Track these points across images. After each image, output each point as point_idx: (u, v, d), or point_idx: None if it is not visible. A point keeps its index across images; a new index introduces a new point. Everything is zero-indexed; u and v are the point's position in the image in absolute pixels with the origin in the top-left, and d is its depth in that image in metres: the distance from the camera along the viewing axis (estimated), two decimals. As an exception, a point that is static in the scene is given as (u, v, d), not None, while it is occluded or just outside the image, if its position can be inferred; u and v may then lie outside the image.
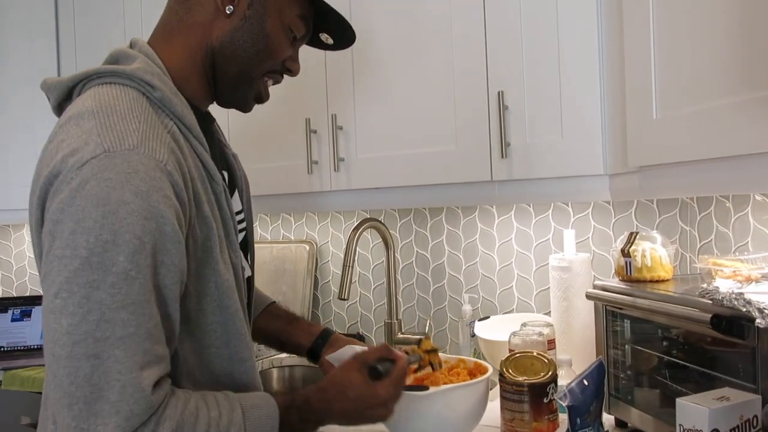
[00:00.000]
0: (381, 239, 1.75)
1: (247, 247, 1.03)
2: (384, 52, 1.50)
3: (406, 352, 1.03)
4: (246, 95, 0.97)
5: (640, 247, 1.13)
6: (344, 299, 1.56)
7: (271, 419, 0.84)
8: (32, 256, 2.59)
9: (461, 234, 1.77)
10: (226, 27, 0.92)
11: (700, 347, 0.96)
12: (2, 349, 2.16)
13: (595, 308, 1.18)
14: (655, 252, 1.12)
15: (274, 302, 1.22)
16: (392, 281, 1.74)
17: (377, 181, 1.53)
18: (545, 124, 1.28)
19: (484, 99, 1.35)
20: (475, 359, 1.18)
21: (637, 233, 1.17)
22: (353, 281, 1.93)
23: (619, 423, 1.15)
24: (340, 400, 0.91)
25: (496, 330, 1.51)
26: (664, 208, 1.46)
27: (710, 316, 0.86)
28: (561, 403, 0.98)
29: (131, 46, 0.93)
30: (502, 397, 1.14)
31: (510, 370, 1.13)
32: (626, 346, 1.13)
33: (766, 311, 0.78)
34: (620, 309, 1.12)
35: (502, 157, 1.31)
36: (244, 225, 1.04)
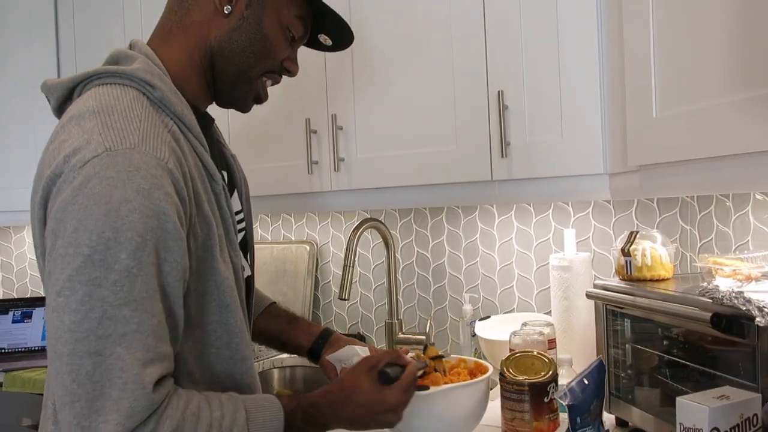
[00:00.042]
0: (381, 239, 1.75)
1: (246, 247, 1.04)
2: (384, 52, 1.50)
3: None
4: (245, 95, 0.97)
5: (641, 247, 1.13)
6: (345, 299, 1.56)
7: (276, 421, 0.84)
8: (33, 257, 2.59)
9: (462, 234, 1.77)
10: (224, 27, 0.92)
11: (700, 346, 0.96)
12: (3, 350, 2.16)
13: (595, 307, 1.18)
14: (656, 251, 1.12)
15: (274, 303, 1.22)
16: (393, 281, 1.74)
17: (377, 181, 1.53)
18: (545, 123, 1.28)
19: (484, 98, 1.35)
20: (476, 359, 1.18)
21: (637, 232, 1.17)
22: (354, 281, 1.93)
23: (620, 422, 1.15)
24: (348, 405, 0.90)
25: (496, 329, 1.51)
26: (664, 207, 1.46)
27: (710, 314, 0.86)
28: (561, 402, 0.98)
29: (131, 47, 0.93)
30: (503, 397, 1.14)
31: (510, 370, 1.13)
32: (627, 346, 1.13)
33: (766, 310, 0.78)
34: (621, 308, 1.12)
35: (502, 156, 1.31)
36: (243, 225, 1.04)
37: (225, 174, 1.01)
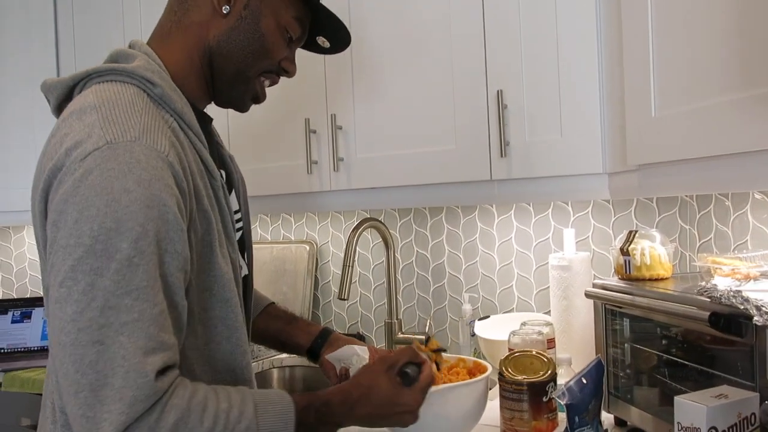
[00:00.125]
0: (381, 239, 1.75)
1: (244, 246, 1.04)
2: (383, 52, 1.51)
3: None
4: (243, 95, 0.98)
5: (640, 246, 1.13)
6: (344, 299, 1.56)
7: (286, 416, 0.82)
8: (32, 258, 2.59)
9: (461, 233, 1.77)
10: (222, 27, 0.93)
11: (698, 345, 0.96)
12: (2, 350, 2.16)
13: (594, 307, 1.18)
14: (655, 250, 1.12)
15: (273, 303, 1.23)
16: (392, 281, 1.74)
17: (377, 180, 1.53)
18: (544, 122, 1.28)
19: (483, 98, 1.35)
20: (475, 358, 1.18)
21: (636, 232, 1.17)
22: (353, 281, 1.93)
23: (619, 421, 1.15)
24: (364, 404, 0.89)
25: (496, 329, 1.51)
26: (663, 207, 1.46)
27: (708, 314, 0.86)
28: (559, 401, 0.98)
29: (131, 47, 0.94)
30: (502, 396, 1.14)
31: (509, 369, 1.13)
32: (625, 345, 1.13)
33: (763, 309, 0.78)
34: (619, 308, 1.12)
35: (502, 156, 1.31)
36: (241, 225, 1.04)
37: (223, 173, 1.01)
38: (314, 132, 1.61)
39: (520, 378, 1.11)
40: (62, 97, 0.90)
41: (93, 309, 0.72)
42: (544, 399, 1.10)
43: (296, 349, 1.19)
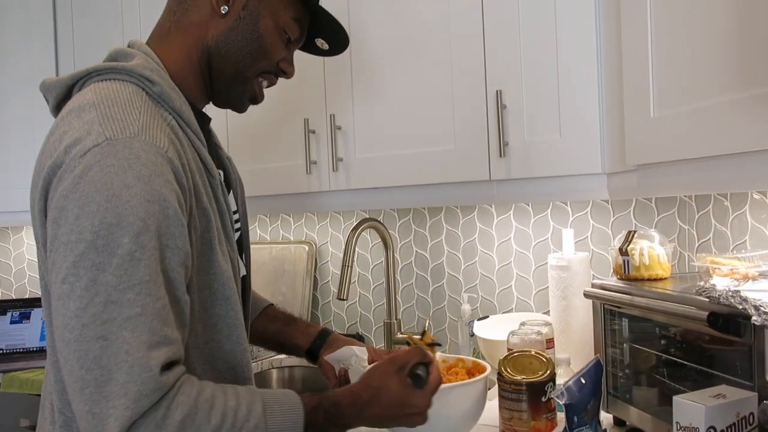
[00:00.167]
0: (380, 239, 1.75)
1: (242, 247, 1.04)
2: (382, 52, 1.51)
3: (408, 342, 1.03)
4: (241, 95, 0.98)
5: (638, 246, 1.13)
6: (343, 299, 1.56)
7: (295, 415, 0.81)
8: (31, 258, 2.59)
9: (460, 234, 1.77)
10: (221, 27, 0.93)
11: (697, 345, 0.96)
12: (1, 351, 2.16)
13: (593, 307, 1.18)
14: (653, 250, 1.12)
15: (272, 304, 1.23)
16: (391, 281, 1.74)
17: (376, 181, 1.53)
18: (544, 123, 1.28)
19: (482, 98, 1.35)
20: (474, 358, 1.18)
21: (635, 232, 1.17)
22: (352, 281, 1.93)
23: (618, 421, 1.15)
24: (375, 406, 0.88)
25: (495, 329, 1.51)
26: (662, 207, 1.46)
27: (707, 313, 0.86)
28: (558, 401, 0.98)
29: (130, 46, 0.94)
30: (501, 396, 1.14)
31: (508, 369, 1.13)
32: (624, 345, 1.13)
33: (762, 309, 0.78)
34: (618, 308, 1.12)
35: (501, 156, 1.31)
36: (239, 225, 1.04)
37: (221, 173, 1.01)
38: (313, 132, 1.61)
39: (519, 378, 1.11)
40: (61, 96, 0.90)
41: (96, 304, 0.72)
42: (543, 399, 1.10)
43: (295, 351, 1.19)
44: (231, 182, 1.05)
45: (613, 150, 1.19)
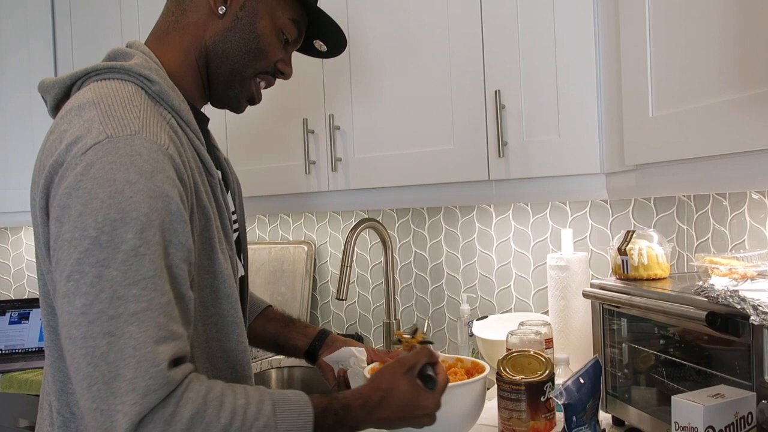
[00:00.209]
0: (379, 239, 1.75)
1: (240, 248, 1.04)
2: (381, 52, 1.51)
3: (399, 340, 1.03)
4: (238, 95, 0.98)
5: (637, 246, 1.13)
6: (342, 299, 1.56)
7: (305, 416, 0.81)
8: (30, 259, 2.59)
9: (459, 234, 1.77)
10: (218, 27, 0.94)
11: (696, 345, 0.96)
12: (0, 351, 2.16)
13: (592, 307, 1.18)
14: (652, 250, 1.12)
15: (270, 306, 1.23)
16: (390, 281, 1.74)
17: (375, 181, 1.53)
18: (542, 123, 1.28)
19: (481, 98, 1.35)
20: (473, 358, 1.18)
21: (633, 232, 1.17)
22: (351, 282, 1.93)
23: (617, 421, 1.15)
24: (384, 408, 0.88)
25: (494, 329, 1.51)
26: (661, 207, 1.47)
27: (706, 313, 0.86)
28: (557, 401, 0.98)
29: (128, 47, 0.94)
30: (500, 396, 1.14)
31: (507, 369, 1.13)
32: (623, 345, 1.13)
33: (760, 308, 0.78)
34: (617, 307, 1.12)
35: (500, 156, 1.31)
36: (237, 226, 1.04)
37: (219, 174, 1.01)
38: (312, 132, 1.61)
39: (518, 378, 1.11)
40: (60, 96, 0.90)
41: (101, 301, 0.71)
42: (542, 399, 1.10)
43: (294, 352, 1.19)
44: (229, 183, 1.06)
45: (611, 150, 1.19)
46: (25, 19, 2.18)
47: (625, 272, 1.14)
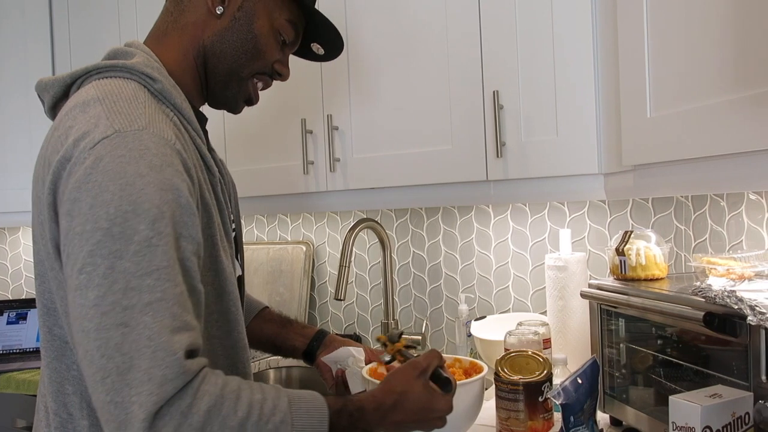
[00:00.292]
0: (377, 239, 1.75)
1: (236, 249, 1.04)
2: (379, 52, 1.51)
3: (384, 344, 1.03)
4: (236, 95, 0.99)
5: (635, 246, 1.13)
6: (341, 300, 1.56)
7: (320, 414, 0.80)
8: (28, 259, 2.58)
9: (457, 234, 1.77)
10: (216, 27, 0.94)
11: (694, 345, 0.97)
12: (-1, 351, 2.16)
13: (590, 307, 1.19)
14: (650, 251, 1.13)
15: (267, 307, 1.23)
16: (389, 281, 1.74)
17: (373, 181, 1.53)
18: (540, 123, 1.28)
19: (479, 98, 1.35)
20: (471, 359, 1.18)
21: (631, 232, 1.17)
22: (350, 282, 1.93)
23: (614, 421, 1.15)
24: (398, 411, 0.87)
25: (492, 329, 1.51)
26: (659, 207, 1.47)
27: (703, 314, 0.86)
28: (555, 401, 0.98)
29: (127, 46, 0.94)
30: (498, 396, 1.14)
31: (505, 369, 1.13)
32: (621, 345, 1.13)
33: (757, 309, 0.78)
34: (615, 308, 1.12)
35: (498, 156, 1.31)
36: (233, 226, 1.04)
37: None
38: (310, 132, 1.61)
39: (516, 378, 1.11)
40: (59, 95, 0.90)
41: (115, 292, 0.71)
42: (540, 399, 1.10)
43: (292, 352, 1.19)
44: (225, 184, 1.06)
45: (609, 150, 1.19)
46: (23, 21, 2.18)
47: (623, 272, 1.14)
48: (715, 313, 0.85)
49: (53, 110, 0.92)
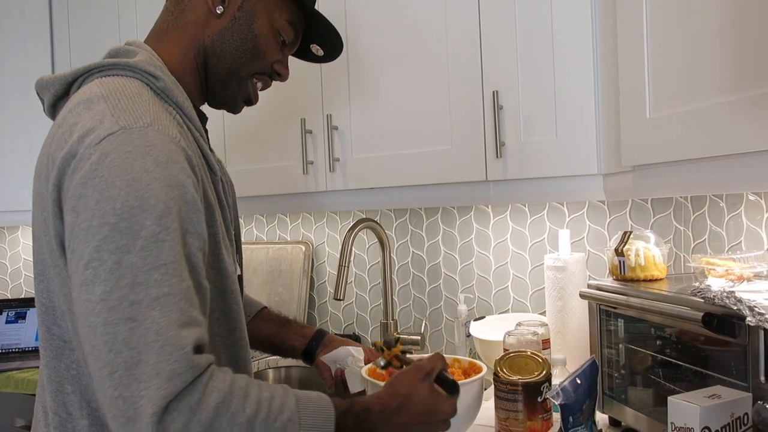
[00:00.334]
0: (377, 239, 1.75)
1: (235, 248, 1.04)
2: (379, 53, 1.51)
3: (381, 348, 1.03)
4: (235, 95, 0.99)
5: (634, 247, 1.13)
6: (340, 300, 1.56)
7: (326, 413, 0.80)
8: (27, 258, 2.58)
9: (457, 234, 1.77)
10: (216, 27, 0.94)
11: (692, 346, 0.97)
12: (-2, 351, 2.16)
13: (589, 307, 1.19)
14: (649, 251, 1.13)
15: (266, 307, 1.23)
16: (388, 281, 1.74)
17: (373, 181, 1.53)
18: (540, 123, 1.28)
19: (479, 99, 1.35)
20: (470, 359, 1.18)
21: (630, 233, 1.18)
22: (349, 282, 1.93)
23: (613, 422, 1.15)
24: (403, 414, 0.87)
25: (491, 330, 1.51)
26: (658, 208, 1.47)
27: (702, 314, 0.86)
28: (554, 401, 0.98)
29: (128, 45, 0.94)
30: (497, 397, 1.14)
31: (504, 370, 1.13)
32: (620, 346, 1.13)
33: (756, 309, 0.78)
34: (614, 308, 1.12)
35: (497, 156, 1.31)
36: (233, 226, 1.04)
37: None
38: (310, 132, 1.61)
39: (515, 378, 1.11)
40: (60, 93, 0.90)
41: (122, 287, 0.71)
42: (539, 399, 1.10)
43: (291, 352, 1.19)
44: (225, 184, 1.06)
45: (609, 151, 1.19)
46: (23, 20, 2.18)
47: (622, 273, 1.14)
48: (714, 313, 0.85)
49: (53, 109, 0.92)
